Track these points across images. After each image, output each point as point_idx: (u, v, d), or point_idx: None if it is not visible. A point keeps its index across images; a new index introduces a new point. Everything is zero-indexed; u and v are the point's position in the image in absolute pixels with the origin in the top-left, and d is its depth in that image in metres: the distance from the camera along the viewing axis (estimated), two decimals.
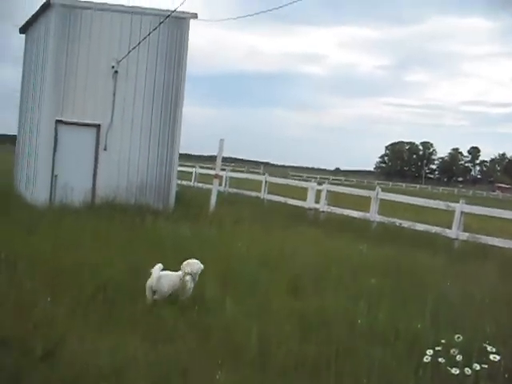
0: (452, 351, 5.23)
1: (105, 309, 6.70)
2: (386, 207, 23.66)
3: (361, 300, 7.54)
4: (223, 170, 32.32)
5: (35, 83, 18.02)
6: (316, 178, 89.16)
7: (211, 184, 27.84)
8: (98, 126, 17.03)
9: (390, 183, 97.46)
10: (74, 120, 16.67)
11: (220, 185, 27.52)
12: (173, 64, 17.73)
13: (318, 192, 20.47)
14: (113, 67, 16.83)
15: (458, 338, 5.44)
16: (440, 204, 16.94)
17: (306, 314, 6.99)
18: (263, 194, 24.02)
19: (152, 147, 17.77)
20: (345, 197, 22.62)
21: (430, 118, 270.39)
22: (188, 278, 7.37)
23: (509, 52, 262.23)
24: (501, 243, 14.29)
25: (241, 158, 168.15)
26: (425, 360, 5.16)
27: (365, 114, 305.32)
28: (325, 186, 20.41)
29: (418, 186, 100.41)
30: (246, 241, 11.83)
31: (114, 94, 17.03)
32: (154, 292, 7.25)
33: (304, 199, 20.95)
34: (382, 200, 18.40)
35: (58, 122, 16.49)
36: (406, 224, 16.99)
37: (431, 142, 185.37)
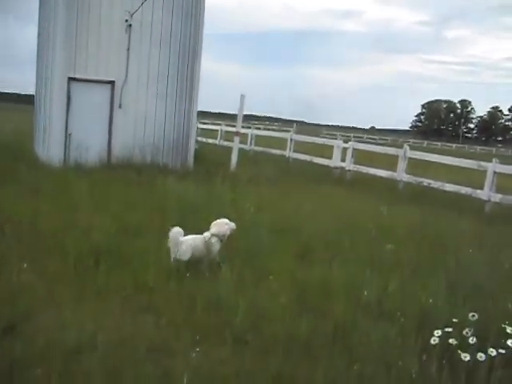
0: (465, 332, 4.51)
1: (86, 276, 6.14)
2: (416, 167, 22.79)
3: (371, 269, 6.84)
4: (248, 127, 31.86)
5: (48, 40, 17.38)
6: (349, 136, 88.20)
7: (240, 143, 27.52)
8: (112, 83, 16.38)
9: (426, 142, 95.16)
10: (87, 77, 16.00)
11: (243, 143, 27.09)
12: (190, 13, 16.90)
13: (345, 150, 19.60)
14: (126, 21, 16.05)
15: (473, 316, 4.71)
16: (471, 163, 15.88)
17: (308, 284, 6.32)
18: (288, 153, 23.25)
19: (169, 104, 17.09)
20: (373, 155, 21.78)
21: (469, 75, 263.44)
22: (214, 239, 6.94)
23: None
24: None
25: (275, 116, 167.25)
26: (432, 342, 4.47)
27: (401, 72, 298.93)
28: (351, 144, 19.50)
29: (454, 145, 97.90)
30: (258, 202, 11.20)
31: (128, 49, 16.30)
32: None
33: (331, 158, 20.15)
34: (410, 159, 17.45)
35: (71, 79, 15.85)
36: (434, 184, 16.06)
37: (469, 99, 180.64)
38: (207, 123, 37.90)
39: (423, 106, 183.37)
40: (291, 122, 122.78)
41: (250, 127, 30.84)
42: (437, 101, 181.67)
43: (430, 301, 5.50)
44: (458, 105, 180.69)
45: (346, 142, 20.51)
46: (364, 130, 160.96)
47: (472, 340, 4.39)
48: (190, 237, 6.88)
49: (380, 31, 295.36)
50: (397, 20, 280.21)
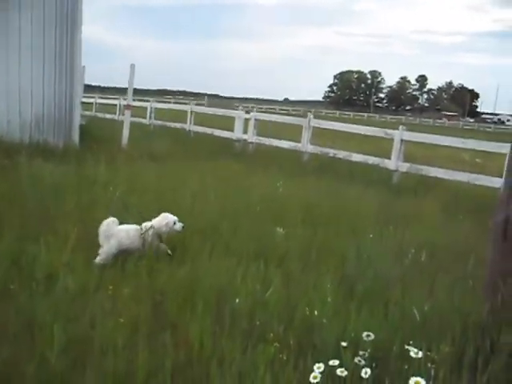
0: (357, 360, 3.26)
1: None
2: (324, 137, 21.83)
3: (251, 263, 5.54)
4: (147, 101, 30.01)
5: None
6: (262, 108, 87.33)
7: (139, 117, 25.67)
8: None
9: (338, 112, 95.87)
10: None
11: (142, 117, 25.35)
12: None
13: (248, 122, 18.28)
14: None
15: (368, 336, 3.48)
16: (378, 131, 14.94)
17: (168, 292, 4.93)
18: (189, 126, 21.71)
19: (47, 77, 15.10)
20: (279, 126, 20.61)
21: (379, 46, 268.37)
22: (150, 233, 6.03)
23: None
24: (445, 175, 12.47)
25: (190, 91, 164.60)
26: (312, 380, 3.18)
27: (313, 44, 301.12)
28: (253, 115, 18.16)
29: (365, 114, 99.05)
30: (140, 182, 9.70)
31: None
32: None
33: (233, 130, 18.80)
34: (315, 128, 16.35)
35: None
36: (340, 155, 15.05)
37: (379, 70, 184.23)
38: (109, 98, 35.72)
39: (335, 77, 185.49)
40: (205, 95, 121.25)
41: (149, 100, 28.87)
42: (348, 72, 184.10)
43: (316, 313, 4.21)
44: (369, 75, 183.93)
45: (248, 112, 19.14)
46: (278, 101, 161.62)
47: (365, 373, 3.14)
48: (123, 227, 6.08)
49: (291, 4, 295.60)
50: None
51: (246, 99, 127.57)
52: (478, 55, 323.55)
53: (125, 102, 29.20)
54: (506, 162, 4.25)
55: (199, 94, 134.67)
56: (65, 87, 15.45)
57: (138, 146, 15.96)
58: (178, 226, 6.18)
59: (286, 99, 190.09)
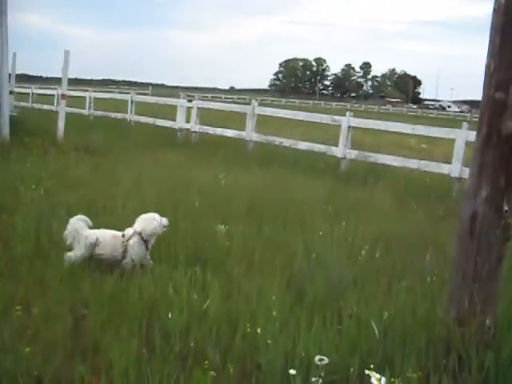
0: None
1: None
2: (269, 125, 21.28)
3: (187, 267, 4.91)
4: (85, 90, 28.76)
5: None
6: (207, 96, 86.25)
7: (78, 107, 24.53)
8: None
9: (283, 100, 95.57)
10: None
11: (82, 107, 24.25)
12: None
13: (191, 110, 17.53)
14: None
15: (322, 360, 2.91)
16: (325, 118, 14.45)
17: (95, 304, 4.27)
18: (130, 116, 20.79)
19: None
20: (223, 114, 19.93)
21: (323, 34, 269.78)
22: (134, 240, 5.26)
23: None
24: (394, 161, 12.06)
25: (135, 80, 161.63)
26: None
27: (258, 33, 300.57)
28: (195, 103, 17.42)
29: (311, 102, 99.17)
30: (69, 178, 8.91)
31: None
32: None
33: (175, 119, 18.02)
34: (259, 116, 15.75)
35: None
36: (286, 143, 14.51)
37: (324, 58, 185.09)
38: (46, 88, 34.23)
39: (280, 65, 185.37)
40: (150, 85, 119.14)
41: (87, 90, 27.63)
42: (293, 59, 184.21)
43: (259, 331, 3.61)
44: (314, 63, 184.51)
45: (190, 101, 18.37)
46: (224, 90, 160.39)
47: None
48: (98, 231, 5.37)
49: None
50: None
51: (192, 88, 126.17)
52: (420, 43, 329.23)
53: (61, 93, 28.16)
54: (475, 147, 3.72)
55: (145, 83, 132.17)
56: None
57: (75, 138, 15.04)
58: (165, 220, 5.43)
59: (231, 88, 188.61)
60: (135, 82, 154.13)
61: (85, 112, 23.89)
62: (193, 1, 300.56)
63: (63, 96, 16.26)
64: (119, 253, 5.29)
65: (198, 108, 17.11)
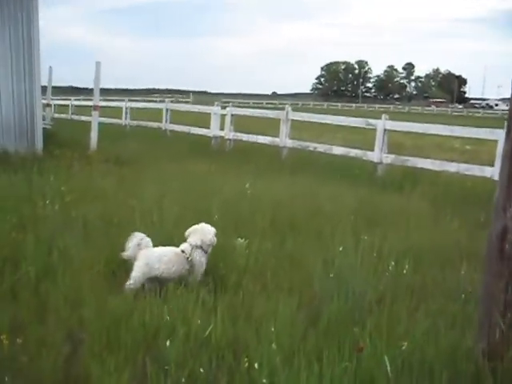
0: None
1: None
2: (309, 130, 20.87)
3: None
4: (122, 100, 28.86)
5: None
6: (249, 103, 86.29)
7: (115, 118, 24.61)
8: None
9: (326, 104, 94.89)
10: None
11: (118, 118, 24.30)
12: None
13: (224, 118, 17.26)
14: None
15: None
16: (359, 122, 13.93)
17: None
18: (165, 125, 20.67)
19: (2, 74, 14.02)
20: (260, 121, 19.63)
21: (364, 36, 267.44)
22: (198, 253, 5.14)
23: None
24: (433, 166, 11.49)
25: (178, 88, 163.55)
26: None
27: (299, 37, 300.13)
28: (229, 110, 17.14)
29: (354, 105, 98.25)
30: (94, 191, 8.70)
31: None
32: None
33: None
34: (295, 121, 15.37)
35: None
36: (321, 148, 14.08)
37: (366, 60, 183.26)
38: (86, 100, 34.53)
39: (322, 69, 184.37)
40: (194, 92, 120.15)
41: (123, 100, 27.67)
42: (335, 63, 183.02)
43: (256, 366, 3.22)
44: (356, 65, 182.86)
45: (224, 108, 18.10)
46: (266, 95, 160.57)
47: None
48: (158, 249, 5.17)
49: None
50: None
51: (234, 95, 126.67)
52: (464, 41, 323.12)
53: (102, 103, 28.31)
54: (502, 153, 3.26)
55: (187, 91, 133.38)
56: (24, 89, 14.41)
57: (107, 149, 14.96)
58: (214, 230, 5.35)
59: (273, 93, 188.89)
60: (178, 90, 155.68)
61: (121, 122, 23.91)
62: (233, 7, 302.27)
63: (96, 107, 16.20)
64: (186, 269, 5.09)
65: (232, 115, 16.83)
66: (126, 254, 5.10)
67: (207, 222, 6.38)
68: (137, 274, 5.00)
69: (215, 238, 5.25)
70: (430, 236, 6.75)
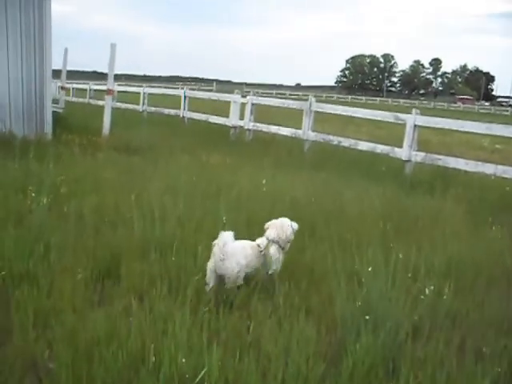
0: None
1: None
2: (333, 123, 19.99)
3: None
4: (140, 86, 28.12)
5: None
6: (272, 93, 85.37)
7: (133, 103, 23.88)
8: None
9: (350, 97, 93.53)
10: None
11: (136, 103, 23.57)
12: None
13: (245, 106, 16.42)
14: None
15: None
16: (387, 116, 12.98)
17: None
18: (183, 112, 19.88)
19: (12, 57, 13.34)
20: (281, 111, 18.81)
21: (391, 30, 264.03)
22: (273, 248, 4.77)
23: None
24: (467, 166, 10.54)
25: (202, 77, 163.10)
26: None
27: (324, 29, 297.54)
28: (249, 98, 16.27)
29: (378, 99, 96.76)
30: (92, 183, 7.93)
31: None
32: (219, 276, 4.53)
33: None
34: (318, 113, 14.49)
35: None
36: (346, 142, 13.19)
37: (392, 54, 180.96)
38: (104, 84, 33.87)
39: (347, 62, 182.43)
40: (218, 81, 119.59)
41: (142, 86, 26.89)
42: (360, 56, 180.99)
43: None
44: (381, 59, 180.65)
45: (244, 96, 17.23)
46: (290, 87, 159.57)
47: None
48: (237, 244, 4.69)
49: None
50: None
51: (258, 85, 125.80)
52: (493, 37, 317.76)
53: (120, 88, 27.61)
54: None
55: (211, 80, 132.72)
56: (34, 74, 13.73)
57: (121, 135, 14.25)
58: (296, 225, 5.00)
59: (297, 84, 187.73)
60: (202, 79, 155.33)
61: (139, 108, 23.19)
62: None
63: (110, 91, 15.47)
64: (260, 264, 4.74)
65: (253, 104, 15.97)
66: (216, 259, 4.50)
67: (215, 225, 5.62)
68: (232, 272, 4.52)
69: (292, 235, 4.88)
70: (470, 248, 5.87)
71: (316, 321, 3.92)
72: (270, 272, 4.71)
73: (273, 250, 4.78)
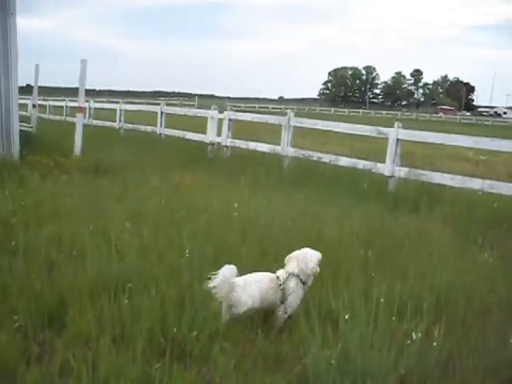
0: None
1: None
2: (314, 137, 19.55)
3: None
4: (116, 102, 27.54)
5: None
6: (255, 107, 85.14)
7: (110, 121, 23.26)
8: None
9: (332, 109, 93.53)
10: None
11: (112, 120, 22.98)
12: None
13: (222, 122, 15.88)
14: None
15: None
16: (369, 130, 12.48)
17: None
18: (159, 129, 19.29)
19: None
20: (261, 127, 18.27)
21: (373, 42, 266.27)
22: (293, 281, 4.37)
23: None
24: (453, 182, 10.04)
25: (185, 91, 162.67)
26: None
27: (306, 41, 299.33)
28: (227, 114, 15.73)
29: (361, 111, 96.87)
30: (42, 207, 7.34)
31: None
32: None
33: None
34: (298, 128, 14.01)
35: None
36: (326, 158, 12.67)
37: (374, 66, 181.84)
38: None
39: (329, 74, 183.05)
40: (201, 95, 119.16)
41: (118, 102, 26.24)
42: (342, 68, 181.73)
43: None
44: (363, 71, 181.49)
45: (222, 112, 16.69)
46: (273, 100, 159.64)
47: None
48: (251, 277, 4.34)
49: (279, 3, 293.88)
50: None
51: (241, 99, 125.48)
52: (472, 49, 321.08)
53: (96, 105, 27.01)
54: None
55: (194, 94, 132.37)
56: None
57: (93, 155, 13.59)
58: (319, 255, 4.58)
59: (280, 97, 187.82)
60: (184, 93, 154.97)
61: (115, 125, 22.59)
62: (241, 10, 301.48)
63: (80, 109, 14.87)
64: (278, 299, 4.34)
65: (230, 119, 15.45)
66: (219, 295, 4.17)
67: (178, 253, 5.06)
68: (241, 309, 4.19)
69: (317, 268, 4.44)
70: (460, 275, 5.36)
71: (286, 372, 3.36)
72: (288, 309, 4.30)
73: (292, 283, 4.38)
